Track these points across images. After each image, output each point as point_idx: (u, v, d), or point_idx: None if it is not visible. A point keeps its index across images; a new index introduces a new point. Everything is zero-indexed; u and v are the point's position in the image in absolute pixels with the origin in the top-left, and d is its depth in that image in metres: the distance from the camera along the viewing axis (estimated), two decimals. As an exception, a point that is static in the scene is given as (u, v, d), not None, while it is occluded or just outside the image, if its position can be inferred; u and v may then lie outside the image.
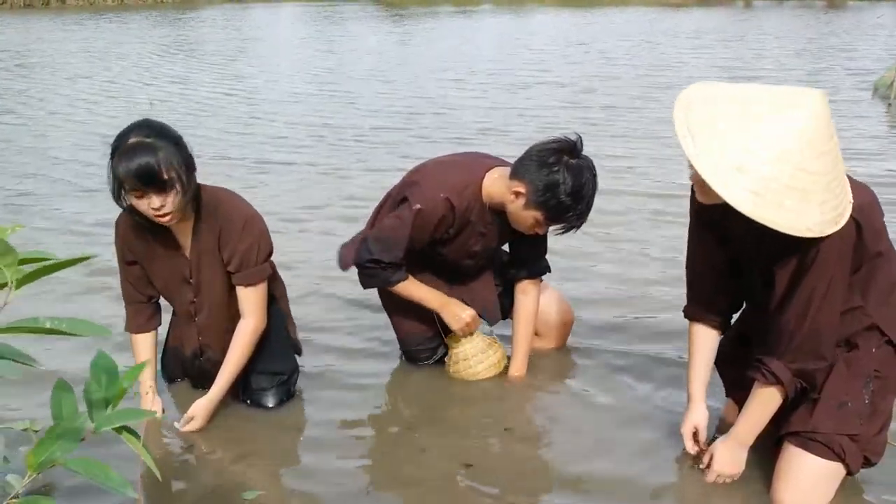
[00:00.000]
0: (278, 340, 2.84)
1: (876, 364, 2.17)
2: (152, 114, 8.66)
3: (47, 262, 1.09)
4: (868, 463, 2.22)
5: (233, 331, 2.69)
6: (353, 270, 2.93)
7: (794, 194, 1.85)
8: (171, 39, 16.50)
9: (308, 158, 6.59)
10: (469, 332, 2.94)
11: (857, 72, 10.52)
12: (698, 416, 2.43)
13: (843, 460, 2.16)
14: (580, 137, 2.61)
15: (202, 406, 2.66)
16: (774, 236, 1.96)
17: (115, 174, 2.35)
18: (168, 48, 14.93)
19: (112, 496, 2.27)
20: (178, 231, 2.60)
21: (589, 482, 2.40)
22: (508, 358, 3.07)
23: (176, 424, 2.67)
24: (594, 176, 2.61)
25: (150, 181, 2.32)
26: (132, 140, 2.34)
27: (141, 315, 2.73)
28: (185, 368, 2.92)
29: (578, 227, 2.66)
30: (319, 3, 28.04)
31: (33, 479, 1.17)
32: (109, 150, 2.39)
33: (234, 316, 2.71)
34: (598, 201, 2.70)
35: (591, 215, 2.68)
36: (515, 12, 23.64)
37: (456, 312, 2.91)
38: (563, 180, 2.53)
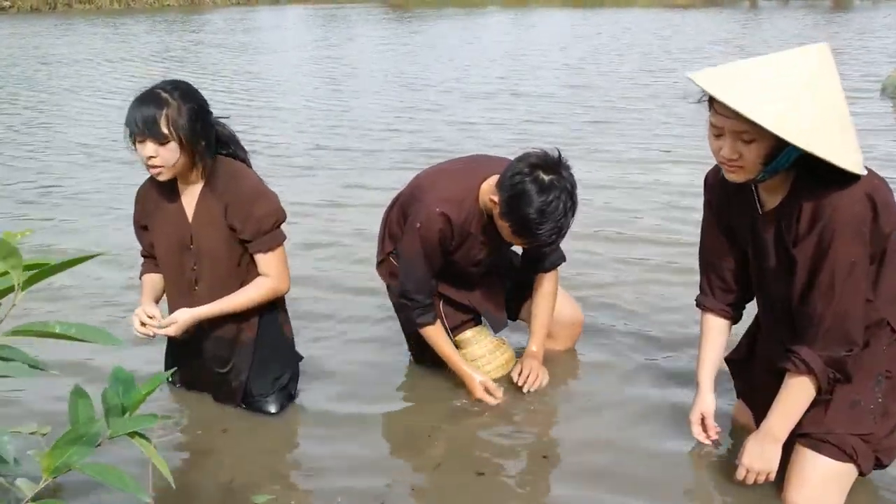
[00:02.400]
0: (275, 343, 2.83)
1: (886, 363, 2.16)
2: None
3: (52, 263, 1.07)
4: (880, 464, 2.21)
5: (257, 363, 2.76)
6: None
7: (836, 129, 1.88)
8: (149, 47, 15.93)
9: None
10: (493, 401, 2.87)
11: (864, 71, 10.49)
12: (706, 404, 2.44)
13: (854, 461, 2.15)
14: (559, 153, 2.52)
15: (186, 314, 2.64)
16: (787, 221, 2.00)
17: (127, 115, 2.49)
18: (141, 56, 14.48)
19: (125, 499, 2.27)
20: (186, 196, 2.67)
21: (602, 488, 2.39)
22: (518, 358, 3.07)
23: (153, 322, 2.62)
24: (570, 196, 2.47)
25: (148, 129, 2.45)
26: (153, 89, 2.50)
27: (152, 263, 2.82)
28: (185, 356, 2.84)
29: (552, 243, 2.60)
30: (325, 6, 28.05)
31: (41, 486, 1.16)
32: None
33: (234, 289, 2.70)
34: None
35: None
36: (519, 14, 23.63)
37: (476, 385, 2.85)
38: (528, 194, 2.43)
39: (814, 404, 2.16)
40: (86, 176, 6.28)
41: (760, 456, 2.21)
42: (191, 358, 2.83)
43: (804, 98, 1.87)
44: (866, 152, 6.15)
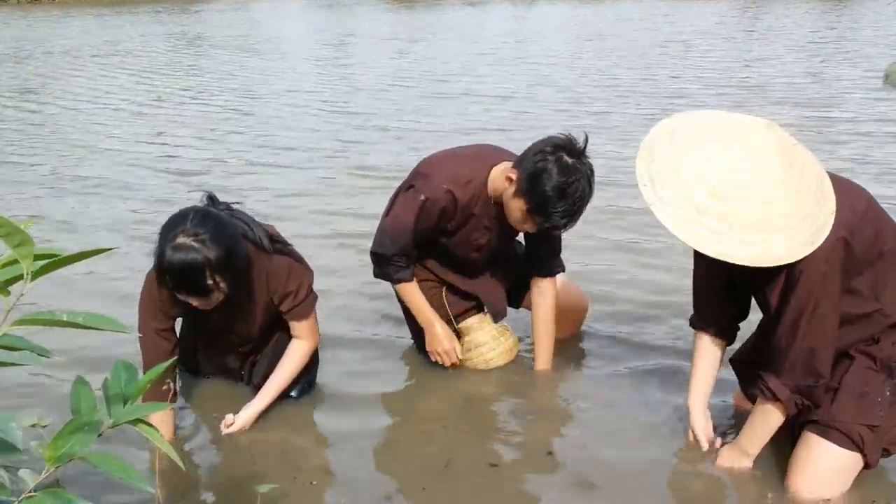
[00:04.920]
0: None
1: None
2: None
3: (63, 255, 1.07)
4: (887, 453, 2.23)
5: (275, 346, 2.78)
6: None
7: (756, 226, 1.90)
8: (115, 43, 15.12)
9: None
10: (445, 361, 2.96)
11: (868, 60, 10.48)
12: (698, 427, 2.49)
13: (861, 450, 2.16)
14: (587, 137, 2.56)
15: (247, 417, 2.66)
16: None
17: (159, 266, 2.33)
18: (99, 53, 13.66)
19: (127, 490, 2.27)
20: None
21: (614, 480, 2.39)
22: (525, 352, 3.09)
23: (222, 427, 2.65)
24: (589, 181, 2.52)
25: (192, 291, 2.35)
26: (181, 239, 2.28)
27: (162, 386, 2.56)
28: (214, 366, 2.93)
29: (564, 227, 2.59)
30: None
31: (43, 475, 1.16)
32: (160, 232, 2.35)
33: (276, 336, 2.79)
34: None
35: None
36: (517, 5, 23.52)
37: (438, 336, 2.93)
38: (550, 172, 2.48)
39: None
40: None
41: (732, 463, 2.37)
42: (228, 366, 2.90)
43: (723, 198, 1.91)
44: (867, 145, 6.11)
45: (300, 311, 2.67)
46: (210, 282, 2.32)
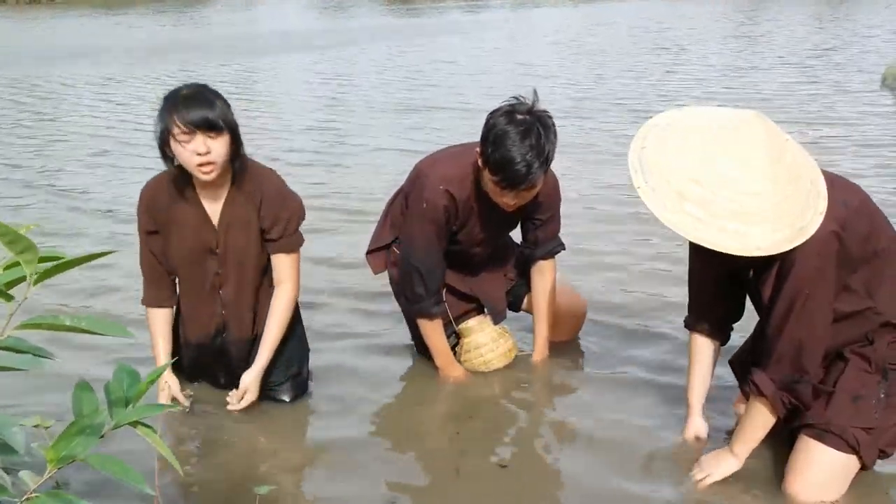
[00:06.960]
0: (289, 334, 2.82)
1: (891, 358, 2.19)
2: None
3: (65, 259, 1.08)
4: (884, 454, 2.23)
5: (256, 309, 2.75)
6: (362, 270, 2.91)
7: (737, 217, 1.92)
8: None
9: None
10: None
11: (865, 61, 10.47)
12: (698, 426, 2.51)
13: (857, 452, 2.17)
14: (535, 91, 2.59)
15: (252, 379, 2.67)
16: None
17: (164, 118, 2.42)
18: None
19: (127, 492, 2.28)
20: (208, 199, 2.61)
21: (616, 480, 2.40)
22: (523, 349, 3.11)
23: (228, 402, 2.67)
24: (542, 124, 2.51)
25: (204, 123, 2.40)
26: (188, 90, 2.46)
27: (161, 289, 2.71)
28: (203, 357, 2.83)
29: (527, 176, 2.50)
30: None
31: (45, 477, 1.17)
32: (160, 105, 2.47)
33: (258, 291, 2.75)
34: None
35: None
36: (520, 7, 23.51)
37: (451, 375, 2.98)
38: (497, 126, 2.51)
39: (815, 397, 2.19)
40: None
41: (717, 464, 2.32)
42: (209, 335, 2.84)
43: (707, 186, 1.94)
44: (864, 145, 6.08)
45: (289, 242, 2.66)
46: (219, 118, 2.42)
